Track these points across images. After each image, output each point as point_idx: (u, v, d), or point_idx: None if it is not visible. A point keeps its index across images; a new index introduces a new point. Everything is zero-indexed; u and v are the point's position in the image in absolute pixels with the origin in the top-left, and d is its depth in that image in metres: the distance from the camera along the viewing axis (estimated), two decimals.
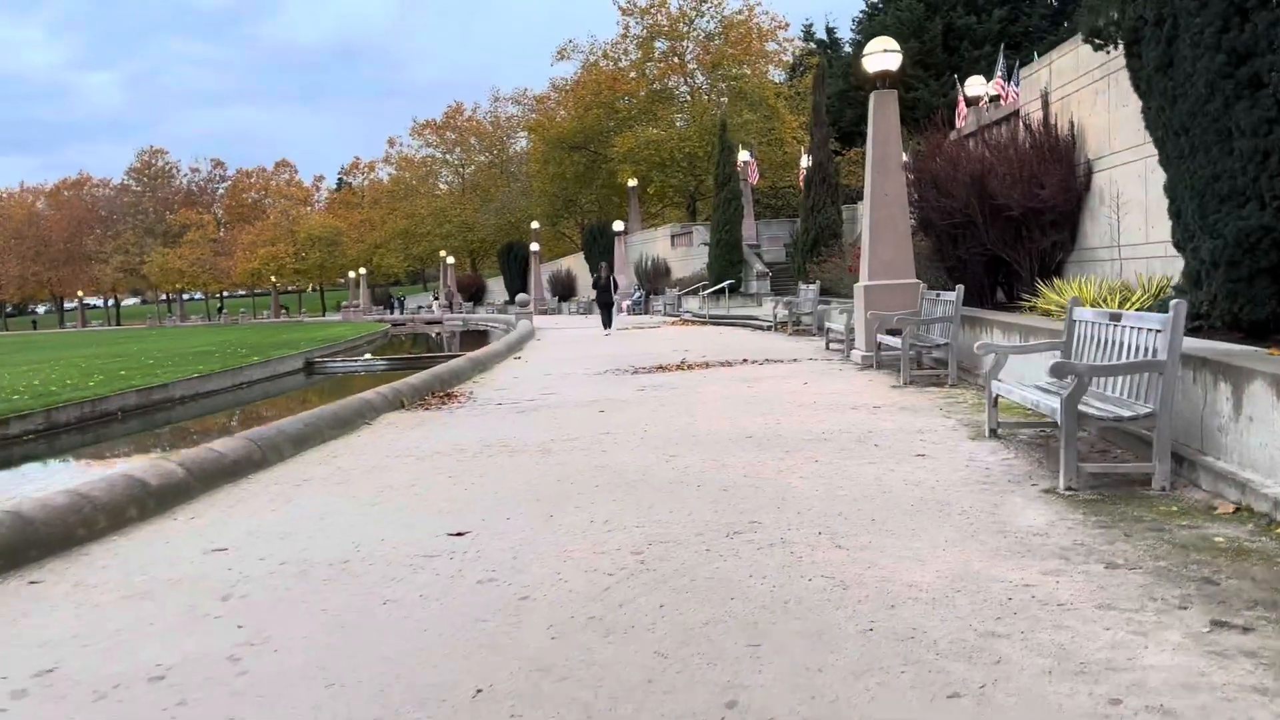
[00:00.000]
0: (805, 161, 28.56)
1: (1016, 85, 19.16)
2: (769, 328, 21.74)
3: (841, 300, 19.30)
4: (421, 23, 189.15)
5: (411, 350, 27.67)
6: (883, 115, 12.96)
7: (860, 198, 41.35)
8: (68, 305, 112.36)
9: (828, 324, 15.86)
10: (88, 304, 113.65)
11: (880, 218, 12.95)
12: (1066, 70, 12.67)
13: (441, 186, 77.27)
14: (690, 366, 13.73)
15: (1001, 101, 20.74)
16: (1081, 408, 5.61)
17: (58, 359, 28.55)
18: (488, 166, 74.04)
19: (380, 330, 37.93)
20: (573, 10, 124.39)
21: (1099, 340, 6.53)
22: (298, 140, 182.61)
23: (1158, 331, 5.62)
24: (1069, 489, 5.48)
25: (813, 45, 55.07)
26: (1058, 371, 5.72)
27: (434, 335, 39.17)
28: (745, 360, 14.22)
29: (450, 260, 65.56)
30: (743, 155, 40.60)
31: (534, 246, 53.40)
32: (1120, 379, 5.99)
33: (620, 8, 52.16)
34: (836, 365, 13.22)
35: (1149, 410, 5.53)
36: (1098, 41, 7.16)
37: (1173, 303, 5.46)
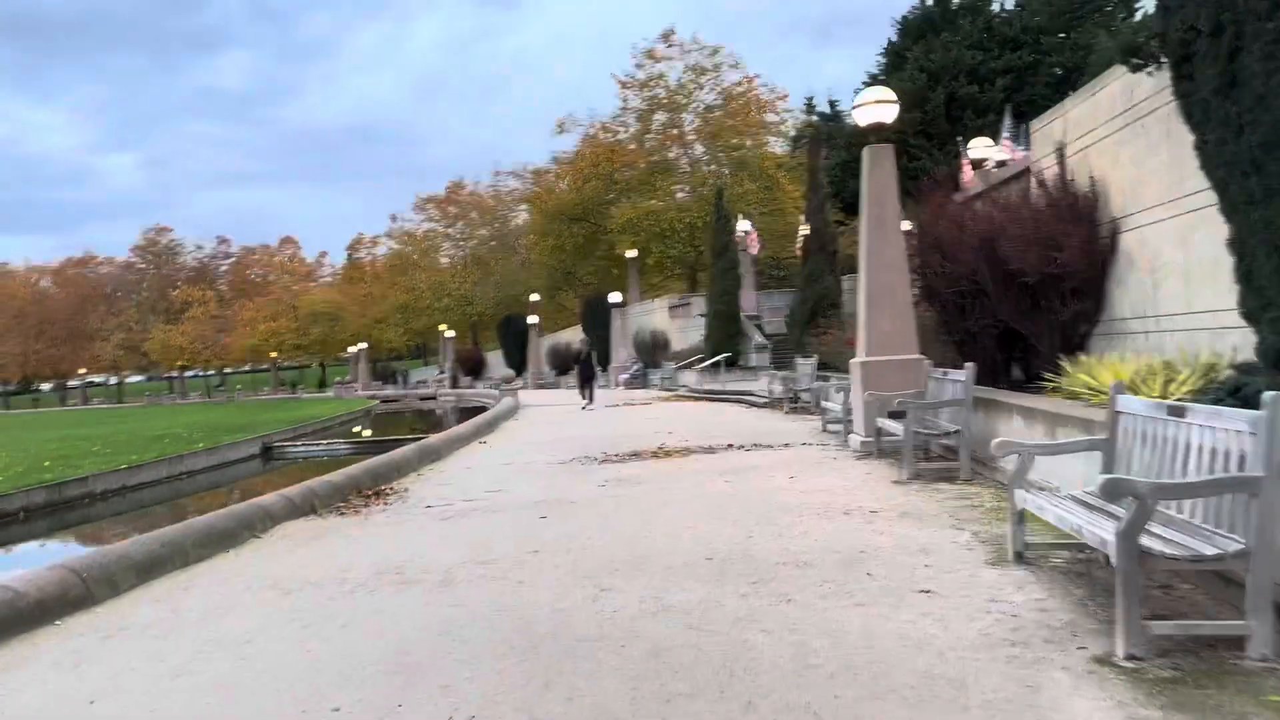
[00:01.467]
0: (805, 230, 27.39)
1: (1025, 148, 17.94)
2: (765, 404, 20.20)
3: (841, 376, 17.80)
4: (436, 106, 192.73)
5: (387, 430, 26.25)
6: (878, 171, 11.62)
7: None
8: (72, 383, 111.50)
9: (824, 403, 14.34)
10: (95, 381, 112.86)
11: (878, 285, 11.51)
12: (1083, 120, 11.34)
13: (443, 260, 76.64)
14: (668, 453, 12.18)
15: (1010, 163, 19.49)
16: (1144, 540, 4.05)
17: (16, 441, 27.15)
18: (488, 240, 73.47)
19: (364, 408, 36.50)
20: (583, 93, 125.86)
21: (1154, 440, 4.99)
22: (312, 218, 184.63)
23: (1246, 434, 4.08)
24: (1131, 657, 3.89)
25: (814, 118, 54.60)
26: (1111, 492, 4.16)
27: (424, 411, 37.73)
28: (730, 445, 12.67)
29: (450, 334, 64.43)
30: (742, 225, 39.57)
31: (532, 319, 52.24)
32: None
33: (620, 81, 51.88)
34: (832, 452, 11.65)
35: (1240, 547, 3.96)
36: (1136, 62, 5.78)
37: (1269, 395, 3.93)
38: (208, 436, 19.93)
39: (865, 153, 11.86)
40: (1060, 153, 11.96)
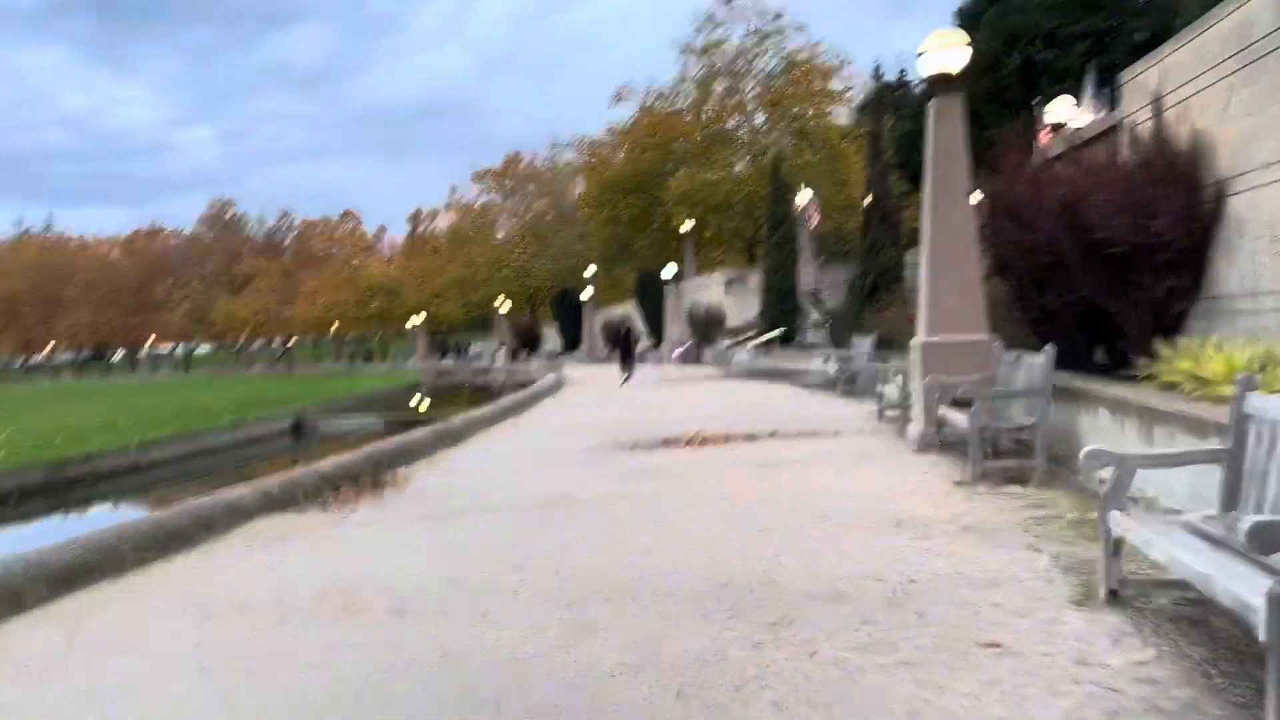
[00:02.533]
0: (867, 200, 25.84)
1: (1110, 108, 16.29)
2: (818, 385, 18.93)
3: (901, 356, 16.49)
4: (503, 81, 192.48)
5: (436, 405, 25.54)
6: (945, 126, 10.29)
7: None
8: (148, 351, 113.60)
9: (881, 387, 13.07)
10: (163, 351, 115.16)
11: (942, 256, 10.22)
12: (1185, 66, 9.85)
13: (499, 234, 76.08)
14: (705, 441, 11.07)
15: (1094, 123, 17.77)
16: None
17: (55, 413, 27.02)
18: (545, 213, 72.64)
19: (413, 382, 35.94)
20: (647, 67, 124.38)
21: None
22: (379, 193, 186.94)
23: None
24: None
25: (880, 81, 52.44)
26: (1264, 541, 2.96)
27: (476, 385, 37.12)
28: (774, 433, 11.50)
29: (505, 307, 63.82)
30: (802, 196, 38.01)
31: (586, 293, 51.28)
32: None
33: (679, 47, 50.32)
34: (886, 443, 10.43)
35: None
36: None
37: None
38: (244, 410, 19.37)
39: (930, 106, 10.53)
40: (1156, 105, 10.46)
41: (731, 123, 51.02)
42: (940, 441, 9.51)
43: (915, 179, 43.26)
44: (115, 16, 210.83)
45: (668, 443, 11.08)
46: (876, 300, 20.22)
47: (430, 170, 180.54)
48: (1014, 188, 10.85)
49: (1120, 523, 4.27)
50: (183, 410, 21.26)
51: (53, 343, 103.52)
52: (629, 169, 50.81)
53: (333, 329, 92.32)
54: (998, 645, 3.92)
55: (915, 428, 10.38)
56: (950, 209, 10.30)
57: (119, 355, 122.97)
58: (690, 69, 50.53)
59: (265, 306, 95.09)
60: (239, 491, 7.14)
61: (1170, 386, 7.27)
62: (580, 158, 63.21)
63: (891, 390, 12.32)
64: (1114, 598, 4.39)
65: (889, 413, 12.95)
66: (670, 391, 20.72)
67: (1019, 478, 7.72)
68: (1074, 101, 22.59)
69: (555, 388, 21.33)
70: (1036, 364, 8.23)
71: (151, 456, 13.14)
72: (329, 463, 8.58)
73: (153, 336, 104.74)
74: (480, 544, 6.10)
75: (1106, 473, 4.59)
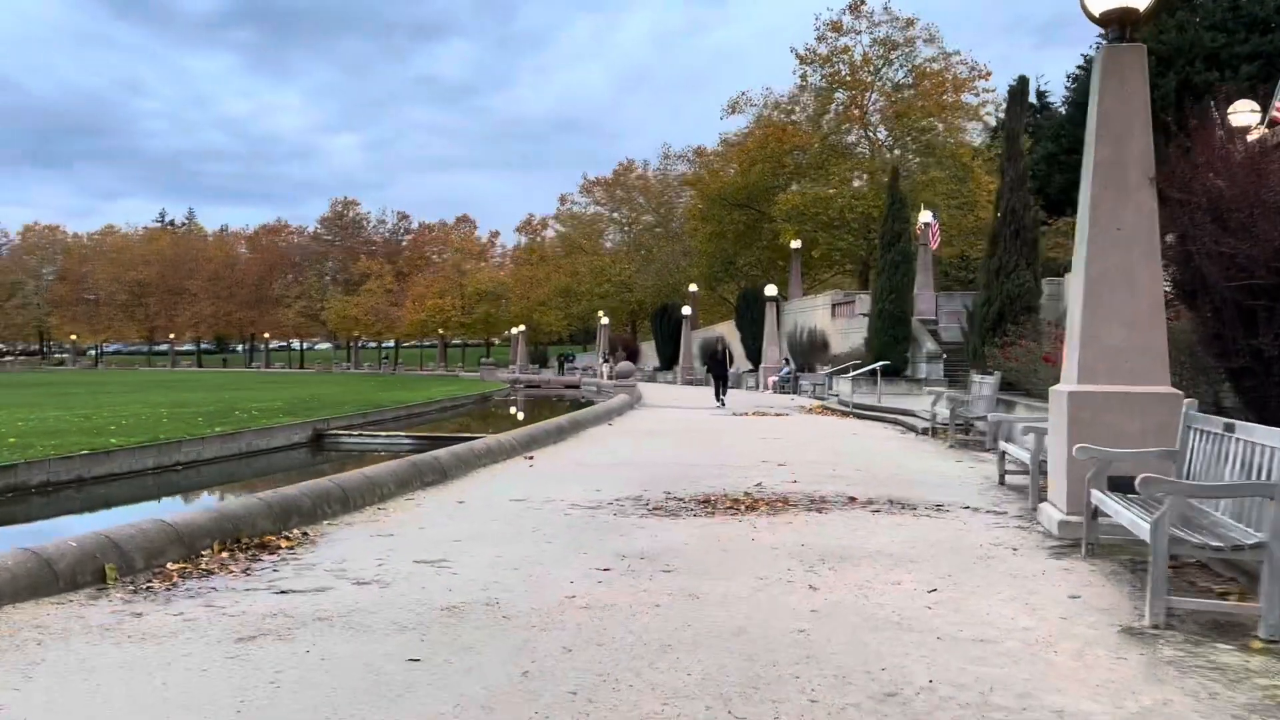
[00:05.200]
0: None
1: None
2: (925, 430, 15.73)
3: (1031, 404, 13.21)
4: (639, 98, 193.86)
5: (492, 419, 23.36)
6: (1118, 84, 7.22)
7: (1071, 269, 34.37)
8: (272, 345, 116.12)
9: (1005, 443, 9.93)
10: (279, 346, 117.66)
11: (1106, 269, 7.14)
12: None
13: (606, 245, 74.04)
14: (755, 505, 8.19)
15: None
16: None
17: (127, 401, 25.90)
18: (653, 226, 70.25)
19: (490, 391, 33.88)
20: (779, 81, 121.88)
21: None
22: (506, 203, 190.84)
23: None
24: None
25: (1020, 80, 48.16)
26: None
27: (555, 398, 34.84)
28: (852, 500, 8.53)
29: (605, 320, 61.66)
30: (924, 216, 34.53)
31: (686, 310, 48.60)
32: None
33: (798, 55, 47.20)
34: (1009, 531, 7.35)
35: None
36: None
37: None
38: (273, 414, 17.49)
39: (1099, 59, 7.44)
40: None
41: (852, 136, 47.60)
42: (1092, 539, 6.43)
43: (1051, 206, 39.01)
44: (279, 27, 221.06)
45: (706, 504, 8.24)
46: (1003, 333, 16.84)
47: (559, 183, 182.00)
48: (1211, 178, 7.67)
49: None
50: (222, 411, 19.56)
51: (172, 335, 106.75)
52: (738, 182, 47.91)
53: (440, 333, 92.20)
54: None
55: (1054, 512, 7.30)
56: (1120, 203, 7.20)
57: (240, 347, 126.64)
58: (810, 77, 47.38)
59: (375, 307, 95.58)
60: (20, 558, 4.65)
61: None
62: (691, 170, 60.58)
63: (1019, 451, 9.20)
64: None
65: (1014, 477, 9.86)
66: (748, 425, 17.78)
67: (1233, 627, 4.65)
68: (1254, 107, 18.86)
69: (614, 413, 18.67)
70: (1268, 442, 5.12)
71: (112, 467, 11.00)
72: (202, 514, 6.06)
73: (267, 334, 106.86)
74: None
75: None
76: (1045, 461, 8.38)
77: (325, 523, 6.97)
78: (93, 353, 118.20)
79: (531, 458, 11.42)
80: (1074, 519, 6.91)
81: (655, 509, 7.94)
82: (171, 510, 6.42)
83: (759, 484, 9.41)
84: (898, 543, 6.75)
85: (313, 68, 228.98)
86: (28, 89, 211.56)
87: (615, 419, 17.89)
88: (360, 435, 17.25)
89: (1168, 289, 7.63)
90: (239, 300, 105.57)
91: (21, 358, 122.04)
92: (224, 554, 5.86)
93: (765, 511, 7.90)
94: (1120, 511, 5.64)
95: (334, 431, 17.06)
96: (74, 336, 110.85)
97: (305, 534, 6.55)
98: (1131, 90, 7.27)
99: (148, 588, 5.11)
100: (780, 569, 5.82)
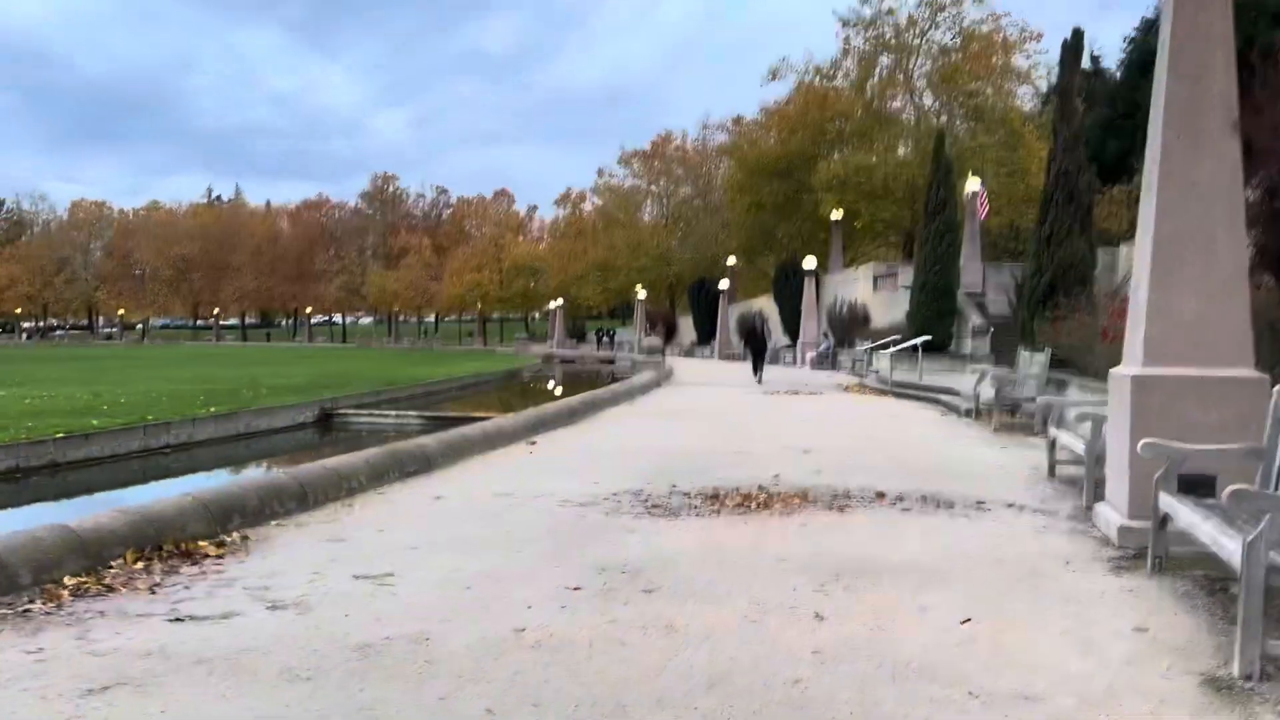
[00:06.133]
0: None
1: None
2: (967, 411, 14.63)
3: (1086, 384, 12.08)
4: (685, 70, 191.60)
5: (527, 394, 22.59)
6: (1195, 12, 6.11)
7: (1130, 237, 32.56)
8: (316, 319, 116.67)
9: (1056, 430, 8.87)
10: (322, 320, 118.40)
11: (1179, 229, 6.07)
12: None
13: (644, 217, 72.81)
14: (769, 501, 7.25)
15: None
16: None
17: (148, 377, 25.56)
18: (691, 198, 68.88)
19: (520, 367, 33.14)
20: (823, 49, 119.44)
21: None
22: (551, 177, 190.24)
23: None
24: None
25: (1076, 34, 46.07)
26: None
27: (587, 374, 34.05)
28: (880, 496, 7.56)
29: (642, 295, 60.69)
30: (971, 184, 33.01)
31: (724, 283, 47.47)
32: None
33: (840, 19, 45.52)
34: (1061, 537, 6.35)
35: None
36: None
37: None
38: (289, 392, 16.90)
39: None
40: None
41: (896, 102, 45.92)
42: (1160, 552, 5.42)
43: (1106, 174, 37.17)
44: (327, 1, 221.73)
45: (713, 500, 7.32)
46: (1054, 305, 15.62)
47: (604, 157, 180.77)
48: None
49: None
50: (232, 390, 19.02)
51: (217, 310, 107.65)
52: (777, 151, 46.47)
53: (478, 308, 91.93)
54: None
55: (1113, 515, 6.27)
56: (1197, 153, 6.10)
57: (284, 322, 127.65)
58: (855, 42, 45.70)
59: (414, 281, 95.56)
60: None
61: None
62: (729, 139, 59.11)
63: (1072, 440, 8.15)
64: None
65: (1065, 467, 8.82)
66: (777, 406, 16.78)
67: None
68: None
69: (641, 390, 17.77)
70: None
71: (91, 451, 10.36)
72: (107, 515, 5.26)
73: (309, 308, 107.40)
74: None
75: None
76: (1102, 453, 7.36)
77: (274, 523, 6.16)
78: (140, 328, 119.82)
79: (534, 443, 10.56)
80: (1137, 525, 5.90)
81: (654, 507, 7.04)
82: (108, 507, 5.62)
83: (777, 476, 8.46)
84: (929, 552, 5.78)
85: (360, 42, 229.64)
86: (81, 67, 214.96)
87: (637, 398, 16.97)
88: (370, 415, 16.58)
89: (1251, 254, 6.51)
90: (281, 275, 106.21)
91: (73, 332, 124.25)
92: (139, 564, 5.07)
93: (779, 510, 6.96)
94: (1198, 524, 4.63)
95: (342, 411, 16.39)
96: (121, 311, 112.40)
97: (245, 538, 5.75)
98: (1211, 18, 6.15)
99: (24, 611, 4.32)
100: (784, 589, 4.89)
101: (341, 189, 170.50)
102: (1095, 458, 7.42)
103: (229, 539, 5.69)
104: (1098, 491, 7.17)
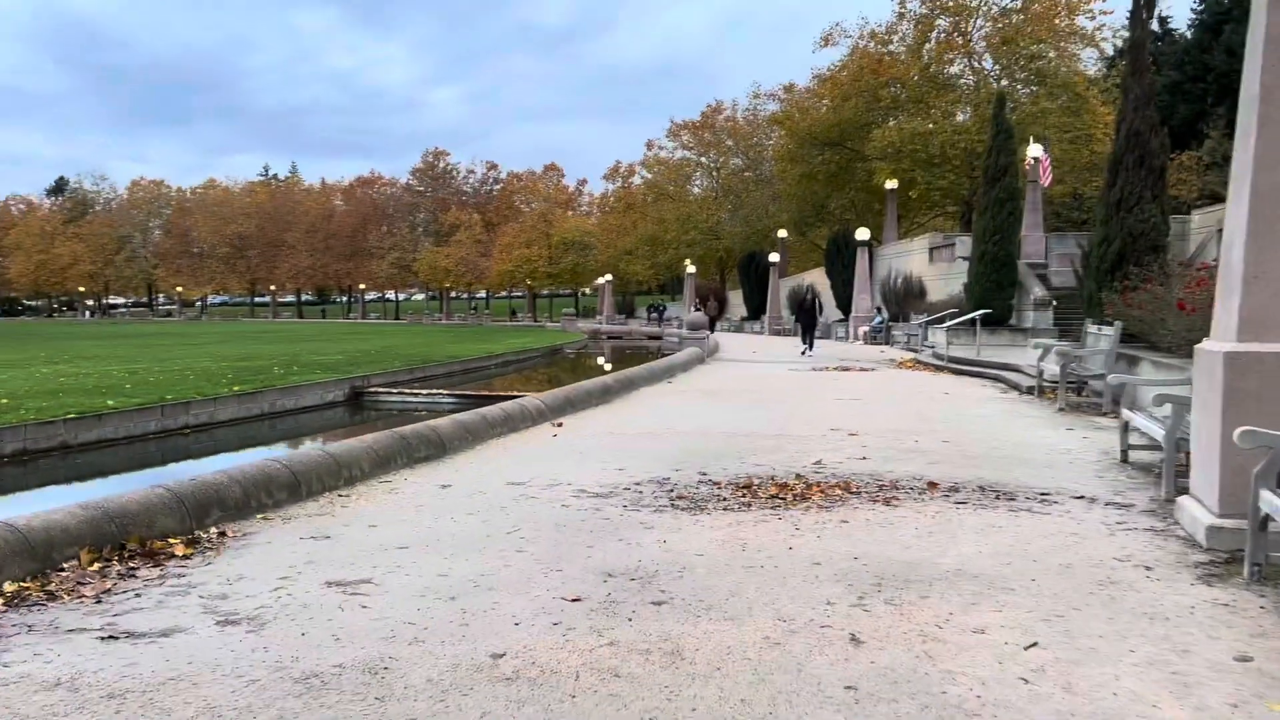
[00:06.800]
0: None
1: None
2: (1029, 389, 13.73)
3: (1162, 360, 11.13)
4: (739, 40, 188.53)
5: (572, 370, 22.07)
6: None
7: (1201, 204, 30.81)
8: (367, 297, 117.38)
9: (1129, 412, 8.03)
10: (375, 297, 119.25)
11: (1278, 183, 5.24)
12: None
13: (694, 190, 71.57)
14: (808, 493, 6.56)
15: None
16: None
17: (193, 354, 25.51)
18: (742, 170, 67.52)
19: (563, 344, 32.62)
20: (877, 12, 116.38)
21: None
22: (605, 152, 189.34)
23: None
24: None
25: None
26: None
27: (634, 350, 33.45)
28: (931, 486, 6.82)
29: (691, 269, 59.76)
30: (1033, 150, 31.60)
31: (773, 257, 46.42)
32: None
33: None
34: (1139, 532, 5.58)
35: None
36: None
37: None
38: (324, 369, 16.53)
39: None
40: None
41: (954, 67, 44.25)
42: (1261, 560, 4.64)
43: (1175, 139, 35.47)
44: None
45: (745, 490, 6.65)
46: (1124, 275, 14.58)
47: (655, 131, 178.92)
48: None
49: None
50: (264, 368, 18.71)
51: (273, 287, 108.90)
52: (829, 119, 45.10)
53: (527, 283, 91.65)
54: None
55: (1200, 511, 5.49)
56: None
57: (340, 299, 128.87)
58: (910, 4, 44.05)
59: (465, 258, 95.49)
60: None
61: None
62: (780, 108, 57.67)
63: (1148, 424, 7.32)
64: None
65: (1139, 453, 8.01)
66: (825, 383, 15.99)
67: None
68: None
69: (682, 367, 17.07)
70: None
71: (104, 432, 9.99)
72: (62, 511, 4.77)
73: (363, 285, 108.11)
74: None
75: None
76: (1184, 439, 6.55)
77: (259, 517, 5.64)
78: (198, 305, 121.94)
79: (560, 424, 9.95)
80: (1230, 524, 5.13)
81: (679, 498, 6.39)
82: (80, 498, 5.13)
83: (819, 462, 7.76)
84: (986, 555, 5.06)
85: (415, 19, 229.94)
86: (145, 47, 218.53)
87: (678, 376, 16.28)
88: (401, 393, 16.12)
89: None
90: (335, 252, 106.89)
91: (134, 310, 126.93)
92: (95, 566, 4.57)
93: (818, 503, 6.27)
94: None
95: (373, 389, 15.97)
96: (179, 289, 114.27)
97: (222, 535, 5.23)
98: None
99: None
100: (816, 602, 4.22)
101: (397, 166, 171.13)
102: (1175, 443, 6.63)
103: (205, 535, 5.18)
104: (1179, 483, 6.39)
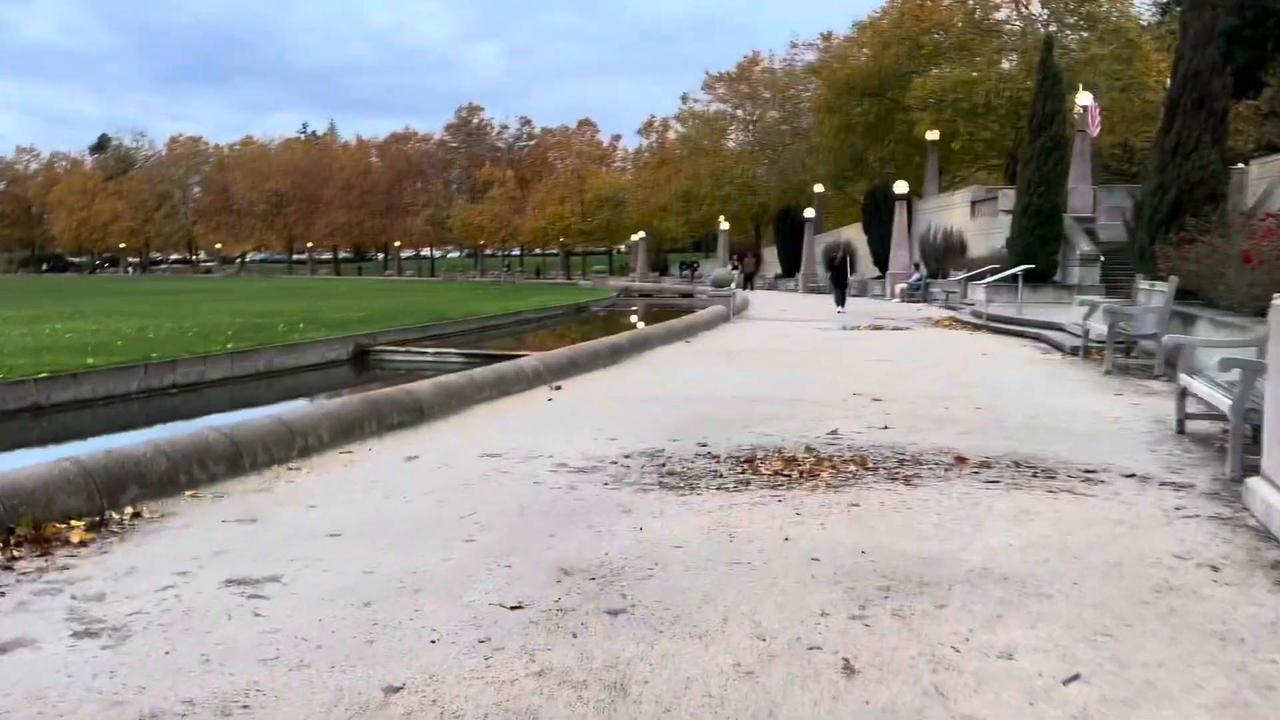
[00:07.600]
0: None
1: None
2: (1074, 350, 12.77)
3: (1219, 319, 10.14)
4: None
5: (598, 327, 21.36)
6: None
7: (1261, 153, 29.11)
8: (405, 254, 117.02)
9: (1186, 377, 7.13)
10: (411, 254, 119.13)
11: None
12: None
13: (729, 144, 69.93)
14: (817, 469, 5.79)
15: None
16: None
17: (216, 310, 25.17)
18: (779, 122, 65.77)
19: (582, 302, 31.91)
20: None
21: None
22: (642, 108, 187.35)
23: None
24: None
25: None
26: None
27: (665, 307, 32.68)
28: (962, 461, 6.03)
29: (725, 226, 58.52)
30: (1082, 98, 30.11)
31: (809, 213, 45.17)
32: None
33: None
34: (1201, 521, 4.75)
35: None
36: None
37: None
38: (337, 327, 16.02)
39: None
40: None
41: (1000, 12, 42.42)
42: None
43: (1238, 87, 33.62)
44: None
45: (746, 465, 5.90)
46: (1180, 228, 13.48)
47: (691, 86, 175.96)
48: None
49: None
50: (274, 323, 18.22)
51: (310, 244, 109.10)
52: (868, 68, 43.52)
53: (560, 240, 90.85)
54: None
55: (1275, 498, 4.64)
56: None
57: (378, 255, 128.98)
58: None
59: (499, 214, 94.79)
60: None
61: None
62: (819, 58, 55.92)
63: (1210, 391, 6.43)
64: None
65: (1196, 423, 7.15)
66: (854, 343, 15.12)
67: None
68: None
69: (704, 326, 16.27)
70: None
71: (82, 392, 9.47)
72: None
73: (398, 242, 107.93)
74: None
75: None
76: (1254, 410, 5.69)
77: (187, 494, 4.99)
78: (237, 261, 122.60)
79: (558, 387, 9.23)
80: None
81: (670, 474, 5.66)
82: None
83: (834, 432, 6.98)
84: (1018, 549, 4.27)
85: None
86: (191, 5, 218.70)
87: (699, 334, 15.48)
88: (409, 351, 15.52)
89: None
90: (371, 209, 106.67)
91: (175, 266, 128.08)
92: None
93: (826, 481, 5.50)
94: None
95: (379, 347, 15.39)
96: (219, 245, 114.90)
97: (136, 516, 4.59)
98: None
99: None
100: (807, 613, 3.47)
101: (435, 124, 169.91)
102: (1243, 415, 5.76)
103: (116, 517, 4.53)
104: (1247, 460, 5.54)
